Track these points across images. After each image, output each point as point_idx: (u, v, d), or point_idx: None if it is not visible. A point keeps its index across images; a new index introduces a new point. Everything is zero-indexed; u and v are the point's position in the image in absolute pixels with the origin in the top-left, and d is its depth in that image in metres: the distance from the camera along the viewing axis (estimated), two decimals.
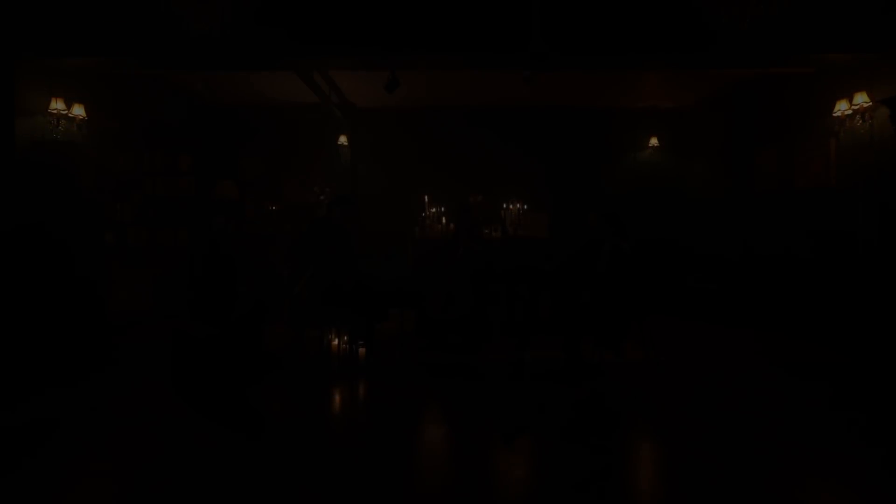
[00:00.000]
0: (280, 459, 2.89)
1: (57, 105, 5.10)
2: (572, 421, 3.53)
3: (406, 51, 4.86)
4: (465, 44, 4.84)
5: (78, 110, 5.31)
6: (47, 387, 4.11)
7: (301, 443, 3.12)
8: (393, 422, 3.50)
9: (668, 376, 4.50)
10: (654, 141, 8.29)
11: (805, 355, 5.25)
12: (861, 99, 5.03)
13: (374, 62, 5.20)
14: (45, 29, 4.77)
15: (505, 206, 6.80)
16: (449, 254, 5.46)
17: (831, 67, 5.30)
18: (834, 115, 5.32)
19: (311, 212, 7.96)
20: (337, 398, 4.05)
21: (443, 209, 7.11)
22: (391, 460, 2.92)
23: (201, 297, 4.51)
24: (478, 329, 5.32)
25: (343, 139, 8.14)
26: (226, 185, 7.80)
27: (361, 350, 4.70)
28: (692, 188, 8.27)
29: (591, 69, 5.71)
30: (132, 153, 7.62)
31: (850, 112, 5.17)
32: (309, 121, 8.20)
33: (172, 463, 2.88)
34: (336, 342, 4.68)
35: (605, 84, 7.30)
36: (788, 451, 3.04)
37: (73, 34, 4.79)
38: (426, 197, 7.11)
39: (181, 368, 3.88)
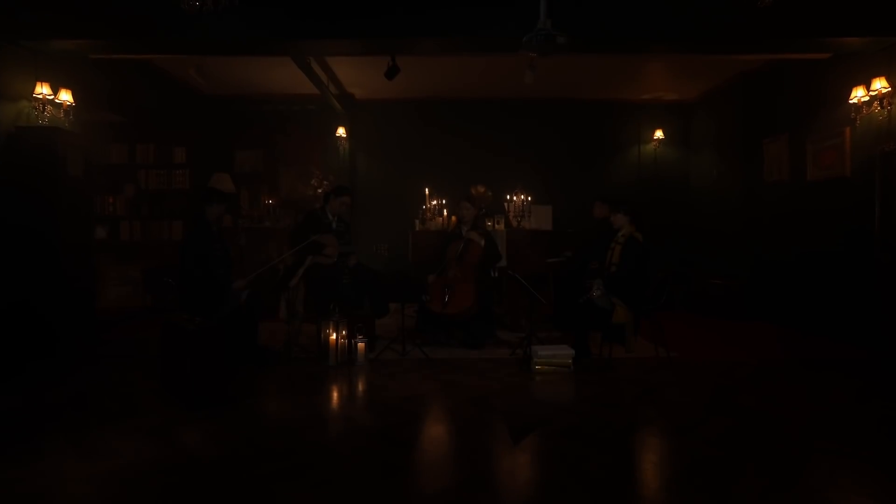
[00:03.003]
0: (277, 458, 2.70)
1: (42, 90, 4.88)
2: (581, 417, 3.35)
3: (407, 32, 4.67)
4: (468, 25, 4.66)
5: (65, 96, 5.08)
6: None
7: (299, 441, 2.93)
8: (393, 419, 3.33)
9: (678, 371, 4.34)
10: (659, 134, 8.19)
11: (818, 350, 5.10)
12: (879, 84, 4.86)
13: (372, 45, 5.00)
14: (27, 9, 4.54)
15: (509, 197, 6.61)
16: (451, 246, 5.28)
17: (848, 52, 5.11)
18: (850, 101, 5.14)
19: (309, 205, 7.77)
20: (335, 395, 3.88)
21: (444, 201, 6.93)
22: (392, 458, 2.75)
23: (194, 290, 4.33)
24: (481, 323, 5.14)
25: (341, 131, 7.97)
26: (221, 178, 7.60)
27: (360, 345, 4.53)
28: (698, 181, 8.10)
29: (598, 52, 5.53)
30: (125, 145, 7.44)
31: (867, 99, 5.01)
32: (306, 112, 8.03)
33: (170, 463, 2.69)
34: (334, 337, 4.50)
35: (609, 76, 7.17)
36: (798, 446, 2.87)
37: (56, 15, 4.56)
38: (427, 189, 6.93)
39: (171, 362, 3.68)
